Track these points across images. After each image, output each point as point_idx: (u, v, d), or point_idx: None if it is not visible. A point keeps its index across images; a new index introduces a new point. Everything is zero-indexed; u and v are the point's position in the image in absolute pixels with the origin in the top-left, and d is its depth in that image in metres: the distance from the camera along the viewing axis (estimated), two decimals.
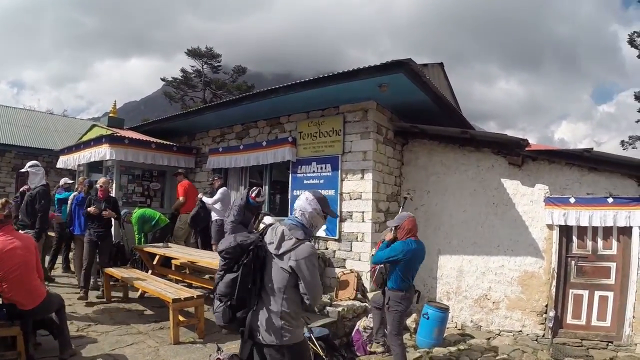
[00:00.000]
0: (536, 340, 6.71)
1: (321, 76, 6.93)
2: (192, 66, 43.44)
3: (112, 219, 7.48)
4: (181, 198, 9.23)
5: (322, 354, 4.82)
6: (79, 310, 6.48)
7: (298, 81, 7.28)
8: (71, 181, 9.81)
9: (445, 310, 6.51)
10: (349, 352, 6.06)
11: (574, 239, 6.81)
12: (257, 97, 8.02)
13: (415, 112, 8.19)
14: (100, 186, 7.18)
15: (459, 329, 7.36)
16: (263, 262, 2.96)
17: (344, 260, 7.72)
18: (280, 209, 9.61)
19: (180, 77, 43.44)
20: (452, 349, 6.25)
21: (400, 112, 8.33)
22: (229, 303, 2.94)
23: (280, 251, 2.90)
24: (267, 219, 7.13)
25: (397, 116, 8.39)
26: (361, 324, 6.29)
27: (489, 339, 6.82)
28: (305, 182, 8.20)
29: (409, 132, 8.21)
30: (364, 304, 6.84)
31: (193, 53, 42.84)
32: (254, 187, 7.38)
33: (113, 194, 9.67)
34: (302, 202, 3.11)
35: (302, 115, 8.46)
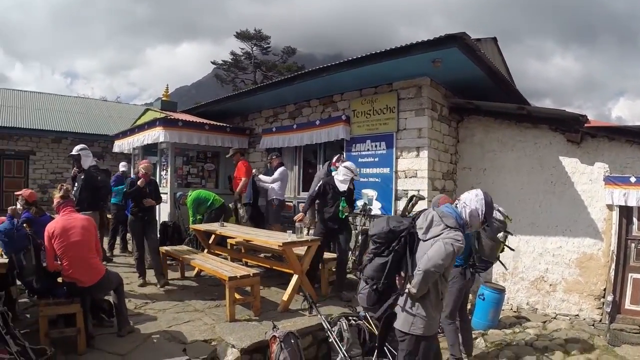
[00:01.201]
0: (593, 325, 6.77)
1: (373, 52, 7.23)
2: (242, 49, 45.79)
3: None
4: (244, 179, 9.60)
5: (376, 333, 5.01)
6: (136, 289, 7.02)
7: (350, 58, 7.65)
8: (124, 169, 10.63)
9: (501, 291, 6.69)
10: None
11: (635, 220, 6.74)
12: (309, 75, 8.50)
13: (470, 88, 8.44)
14: (144, 170, 7.36)
15: (515, 311, 7.58)
16: (413, 248, 3.19)
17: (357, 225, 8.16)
18: None
19: (230, 60, 45.88)
20: (508, 331, 6.47)
21: (454, 88, 8.60)
22: (374, 287, 3.21)
23: (427, 237, 3.12)
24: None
25: (452, 92, 8.67)
26: None
27: (544, 322, 6.93)
28: (360, 160, 8.57)
29: (464, 108, 8.44)
30: None
31: (242, 36, 44.73)
32: (337, 155, 7.95)
33: (169, 176, 10.58)
34: (470, 196, 3.31)
35: (355, 93, 8.87)
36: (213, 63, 47.85)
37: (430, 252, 3.00)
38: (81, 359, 4.46)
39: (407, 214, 5.94)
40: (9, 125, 17.03)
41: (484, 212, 3.23)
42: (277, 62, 46.40)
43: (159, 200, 7.71)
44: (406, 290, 3.12)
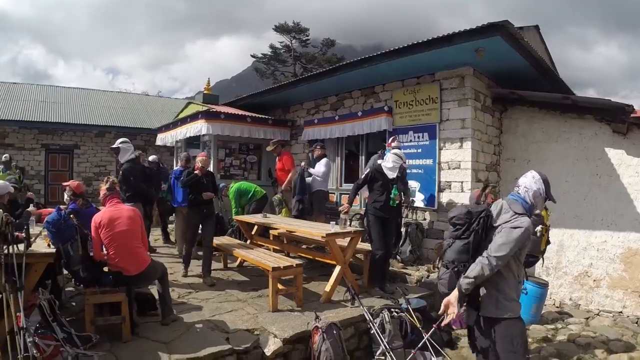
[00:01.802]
0: (637, 323, 6.69)
1: (415, 42, 7.43)
2: (281, 42, 46.77)
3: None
4: (293, 170, 9.89)
5: (418, 325, 5.21)
6: (180, 279, 7.34)
7: (392, 49, 7.86)
8: (152, 157, 10.96)
9: (544, 286, 6.69)
10: (445, 325, 6.49)
11: None
12: (351, 66, 8.76)
13: (513, 77, 8.54)
14: (201, 165, 7.38)
15: (557, 307, 7.60)
16: (487, 233, 3.33)
17: (442, 231, 8.06)
18: None
19: (269, 53, 47.01)
20: (550, 327, 6.52)
21: (497, 78, 8.71)
22: (457, 269, 3.33)
23: (497, 223, 3.30)
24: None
25: (495, 82, 8.79)
26: None
27: (587, 318, 6.91)
28: (403, 151, 8.48)
29: (507, 98, 8.52)
30: None
31: (281, 29, 45.77)
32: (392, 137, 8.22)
33: (211, 168, 11.04)
34: (529, 179, 3.40)
35: (397, 83, 9.11)
36: (253, 56, 49.03)
37: (497, 239, 3.20)
38: (126, 347, 4.63)
39: (481, 201, 6.08)
40: (53, 121, 18.06)
41: (544, 190, 3.38)
42: (316, 54, 47.20)
43: (216, 193, 7.82)
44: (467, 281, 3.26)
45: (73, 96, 21.53)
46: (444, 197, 8.28)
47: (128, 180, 7.52)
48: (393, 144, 7.79)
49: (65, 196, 6.30)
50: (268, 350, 4.81)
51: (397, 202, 6.75)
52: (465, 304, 3.46)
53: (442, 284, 3.46)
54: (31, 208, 6.29)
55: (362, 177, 6.90)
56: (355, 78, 9.30)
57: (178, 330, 5.08)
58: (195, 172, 7.28)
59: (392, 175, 6.68)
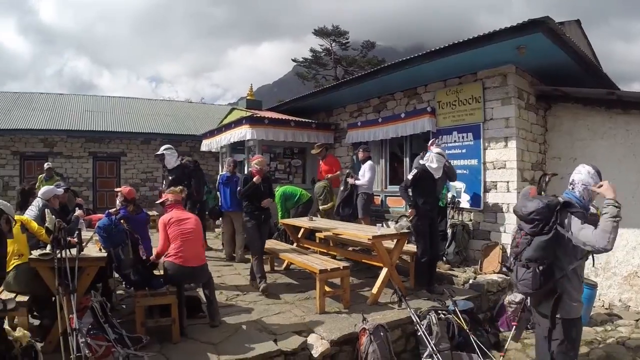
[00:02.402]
0: None
1: (456, 42, 7.57)
2: (321, 45, 47.93)
3: None
4: (338, 172, 10.30)
5: (465, 327, 5.35)
6: (227, 281, 7.68)
7: (433, 49, 8.06)
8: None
9: (593, 286, 6.71)
10: (493, 327, 6.39)
11: None
12: (392, 68, 9.01)
13: (556, 74, 8.58)
14: (256, 166, 7.34)
15: (606, 309, 7.54)
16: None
17: (489, 232, 8.35)
18: None
19: (310, 57, 48.28)
20: (599, 329, 6.56)
21: (540, 75, 8.78)
22: (540, 268, 3.32)
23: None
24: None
25: (538, 79, 8.85)
26: (506, 298, 6.64)
27: (637, 320, 6.86)
28: (447, 152, 8.58)
29: (551, 95, 8.63)
30: (509, 277, 6.92)
31: (320, 32, 47.00)
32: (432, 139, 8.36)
33: None
34: (584, 175, 3.47)
35: (439, 84, 9.31)
36: (294, 61, 50.27)
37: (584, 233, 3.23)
38: (175, 348, 4.90)
39: (542, 192, 6.09)
40: (100, 129, 19.05)
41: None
42: (356, 56, 47.95)
43: (272, 197, 7.84)
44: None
45: (118, 105, 22.66)
46: (490, 198, 8.38)
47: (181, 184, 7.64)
48: (432, 148, 7.86)
49: (117, 202, 6.70)
50: (315, 352, 4.98)
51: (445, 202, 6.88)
52: (530, 304, 3.60)
53: (524, 285, 3.42)
54: (78, 212, 6.64)
55: (410, 178, 6.97)
56: (397, 79, 9.51)
57: (226, 332, 5.32)
58: (253, 179, 7.17)
59: (438, 174, 6.94)
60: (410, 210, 7.00)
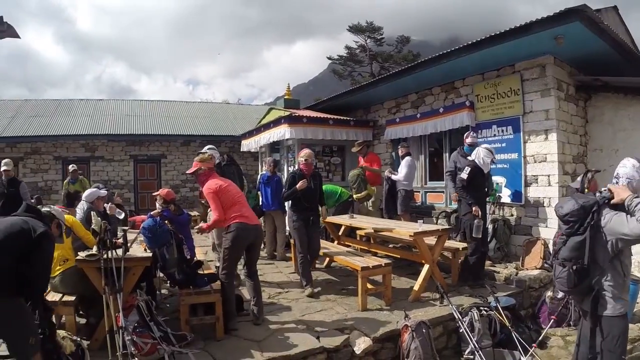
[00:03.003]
0: None
1: (492, 34, 7.68)
2: (356, 42, 48.45)
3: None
4: (377, 169, 10.48)
5: (507, 324, 5.42)
6: (269, 279, 7.85)
7: (469, 42, 8.18)
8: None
9: (636, 282, 6.56)
10: (534, 324, 6.46)
11: None
12: (429, 63, 9.15)
13: (596, 63, 8.56)
14: (305, 160, 7.08)
15: None
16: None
17: (530, 227, 8.38)
18: None
19: (345, 54, 48.89)
20: None
21: (579, 65, 8.76)
22: (574, 267, 3.38)
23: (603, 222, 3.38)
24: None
25: (577, 69, 8.84)
26: (548, 294, 6.69)
27: None
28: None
29: (590, 85, 8.60)
30: (551, 273, 6.77)
31: (355, 29, 47.56)
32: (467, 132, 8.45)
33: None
34: (629, 169, 3.44)
35: (477, 77, 9.42)
36: (329, 58, 51.17)
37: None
38: (219, 345, 5.03)
39: (585, 190, 6.16)
40: (140, 133, 19.93)
41: None
42: (392, 52, 48.38)
43: (322, 196, 7.67)
44: None
45: (157, 108, 23.51)
46: (531, 192, 8.42)
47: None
48: (468, 140, 8.09)
49: (157, 204, 6.97)
50: (358, 349, 5.08)
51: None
52: (572, 301, 3.69)
53: (560, 283, 3.52)
54: (112, 204, 6.95)
55: (465, 177, 6.99)
56: (434, 74, 9.63)
57: (269, 329, 5.48)
58: (299, 180, 6.93)
59: (486, 169, 7.08)
60: (474, 209, 6.97)
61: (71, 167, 13.06)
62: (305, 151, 7.21)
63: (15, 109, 21.40)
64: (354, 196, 10.24)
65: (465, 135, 8.31)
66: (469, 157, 7.41)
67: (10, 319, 3.40)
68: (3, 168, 8.83)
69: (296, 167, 7.64)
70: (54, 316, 4.29)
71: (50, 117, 20.68)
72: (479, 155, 7.08)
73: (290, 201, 7.46)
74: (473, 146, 7.91)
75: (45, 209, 4.33)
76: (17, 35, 5.32)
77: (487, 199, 7.93)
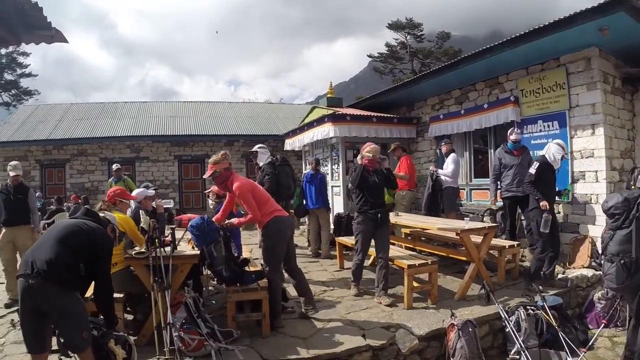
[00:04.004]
0: None
1: (535, 27, 7.69)
2: (396, 39, 49.03)
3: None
4: (402, 174, 10.16)
5: (554, 324, 5.41)
6: (313, 277, 8.02)
7: (513, 36, 8.23)
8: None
9: None
10: (581, 324, 6.44)
11: None
12: (472, 58, 9.25)
13: None
14: (373, 156, 6.69)
15: None
16: None
17: (577, 225, 8.34)
18: None
19: (386, 52, 49.55)
20: None
21: (625, 57, 8.67)
22: (622, 262, 3.46)
23: None
24: None
25: (623, 61, 8.74)
26: (596, 294, 6.66)
27: None
28: (532, 142, 9.03)
29: (637, 78, 8.57)
30: (599, 272, 7.02)
31: (394, 26, 48.22)
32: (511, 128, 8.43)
33: (340, 170, 12.00)
34: None
35: (521, 71, 9.42)
36: (369, 56, 52.34)
37: None
38: (265, 342, 5.18)
39: (632, 186, 6.06)
40: (184, 133, 20.72)
41: None
42: (432, 48, 48.67)
43: (395, 187, 7.46)
44: None
45: (200, 109, 24.36)
46: (578, 189, 8.38)
47: (262, 184, 7.80)
48: (512, 137, 8.14)
49: (210, 200, 7.31)
50: (404, 347, 5.18)
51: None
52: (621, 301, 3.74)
53: (609, 280, 3.59)
54: (160, 202, 7.16)
55: (534, 172, 6.89)
56: (477, 69, 9.69)
57: (315, 326, 5.62)
58: (367, 170, 6.66)
59: (557, 166, 7.05)
60: (542, 203, 6.80)
61: (115, 166, 13.50)
62: (372, 146, 6.80)
63: (62, 113, 22.66)
64: None
65: (509, 131, 8.35)
66: (514, 153, 7.57)
67: (67, 310, 3.73)
68: (12, 173, 7.54)
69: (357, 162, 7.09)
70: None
71: (95, 119, 21.79)
72: (550, 150, 7.05)
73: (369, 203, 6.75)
74: (517, 143, 8.04)
75: (101, 214, 4.66)
76: (65, 40, 5.43)
77: (560, 197, 7.90)
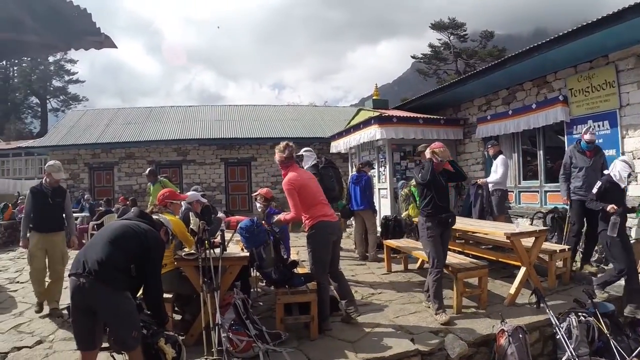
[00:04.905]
0: None
1: (583, 24, 7.73)
2: (439, 39, 49.62)
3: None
4: None
5: (606, 331, 5.23)
6: (360, 279, 8.02)
7: (560, 34, 8.23)
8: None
9: None
10: (634, 333, 6.09)
11: None
12: (520, 57, 9.25)
13: None
14: (440, 159, 6.11)
15: None
16: None
17: (630, 228, 7.93)
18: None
19: (429, 53, 50.08)
20: None
21: None
22: None
23: None
24: None
25: None
26: None
27: None
28: (582, 142, 8.61)
29: None
30: None
31: (437, 26, 48.77)
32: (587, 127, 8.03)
33: (387, 172, 12.08)
34: None
35: (570, 70, 9.42)
36: (413, 57, 53.21)
37: None
38: (313, 345, 5.17)
39: None
40: (230, 137, 21.27)
41: None
42: (476, 48, 48.79)
43: (465, 177, 6.84)
44: None
45: (246, 113, 24.86)
46: (631, 191, 8.07)
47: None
48: (586, 137, 7.50)
49: (258, 203, 7.44)
50: (453, 353, 5.07)
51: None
52: None
53: None
54: (220, 214, 7.14)
55: (595, 192, 6.62)
56: (524, 68, 9.69)
57: (363, 330, 5.60)
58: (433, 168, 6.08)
59: (622, 184, 6.65)
60: (609, 207, 6.31)
61: (148, 170, 13.11)
62: (444, 148, 6.19)
63: (110, 117, 23.56)
64: (402, 214, 10.15)
65: (583, 130, 7.80)
66: (587, 154, 7.35)
67: (118, 310, 3.84)
68: (58, 176, 6.76)
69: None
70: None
71: (142, 123, 22.60)
72: (615, 168, 6.62)
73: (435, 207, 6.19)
74: (591, 143, 7.54)
75: (155, 217, 4.84)
76: (114, 45, 5.60)
77: (634, 213, 7.65)
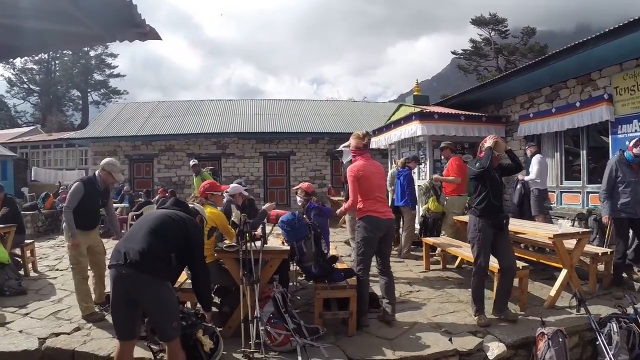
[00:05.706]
0: None
1: (630, 20, 7.55)
2: (480, 35, 49.55)
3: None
4: (452, 178, 9.66)
5: None
6: (398, 275, 7.83)
7: (605, 30, 8.13)
8: None
9: None
10: None
11: None
12: (563, 54, 9.19)
13: None
14: (497, 153, 5.93)
15: None
16: None
17: None
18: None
19: (470, 48, 50.10)
20: None
21: None
22: None
23: None
24: None
25: None
26: None
27: None
28: (627, 143, 8.27)
29: None
30: None
31: (478, 22, 48.64)
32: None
33: (427, 169, 12.11)
34: None
35: (615, 67, 9.24)
36: (453, 53, 52.94)
37: None
38: (351, 341, 5.23)
39: None
40: (270, 131, 21.62)
41: None
42: (517, 44, 48.37)
43: (521, 166, 6.62)
44: None
45: (285, 107, 25.25)
46: None
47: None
48: (634, 150, 6.84)
49: (298, 197, 7.57)
50: (491, 354, 5.06)
51: None
52: None
53: None
54: (266, 205, 6.97)
55: None
56: (568, 65, 9.61)
57: (401, 327, 5.64)
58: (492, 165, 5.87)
59: None
60: None
61: (192, 162, 14.05)
62: (501, 141, 6.05)
63: (150, 110, 24.17)
64: (422, 208, 10.27)
65: (632, 143, 7.01)
66: (633, 167, 6.93)
67: (159, 300, 3.91)
68: (117, 176, 6.62)
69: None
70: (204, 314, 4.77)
71: (182, 117, 23.17)
72: None
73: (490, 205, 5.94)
74: (639, 156, 6.88)
75: (190, 205, 4.97)
76: (159, 37, 5.56)
77: None
